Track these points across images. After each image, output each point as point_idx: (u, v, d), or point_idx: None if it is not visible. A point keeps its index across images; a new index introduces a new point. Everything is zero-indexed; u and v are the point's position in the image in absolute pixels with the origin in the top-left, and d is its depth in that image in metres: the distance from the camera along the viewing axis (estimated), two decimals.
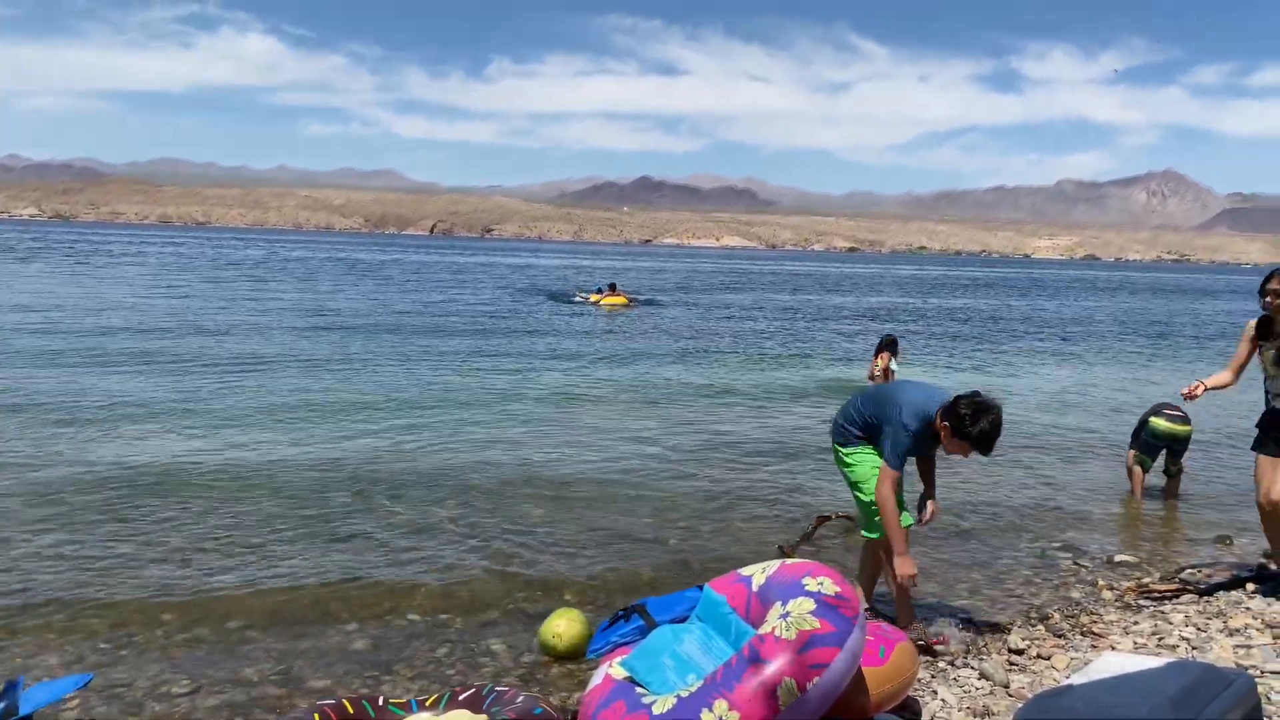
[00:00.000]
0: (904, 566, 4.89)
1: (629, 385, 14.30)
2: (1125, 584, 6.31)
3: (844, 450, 5.14)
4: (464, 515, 7.34)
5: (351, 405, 11.72)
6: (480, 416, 11.35)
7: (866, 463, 5.04)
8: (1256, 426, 5.91)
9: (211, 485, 7.90)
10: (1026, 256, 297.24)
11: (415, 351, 17.37)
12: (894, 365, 13.56)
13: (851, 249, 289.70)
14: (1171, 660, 3.03)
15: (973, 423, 4.59)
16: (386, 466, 8.72)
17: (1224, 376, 5.87)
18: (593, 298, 31.27)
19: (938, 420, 4.74)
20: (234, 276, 39.56)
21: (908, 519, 5.01)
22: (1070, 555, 6.92)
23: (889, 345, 13.70)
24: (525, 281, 45.23)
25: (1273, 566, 6.20)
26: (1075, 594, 6.13)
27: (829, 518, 7.27)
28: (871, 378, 14.21)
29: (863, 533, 5.26)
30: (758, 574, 3.68)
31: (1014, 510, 8.03)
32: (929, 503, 5.15)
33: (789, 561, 3.67)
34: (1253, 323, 5.77)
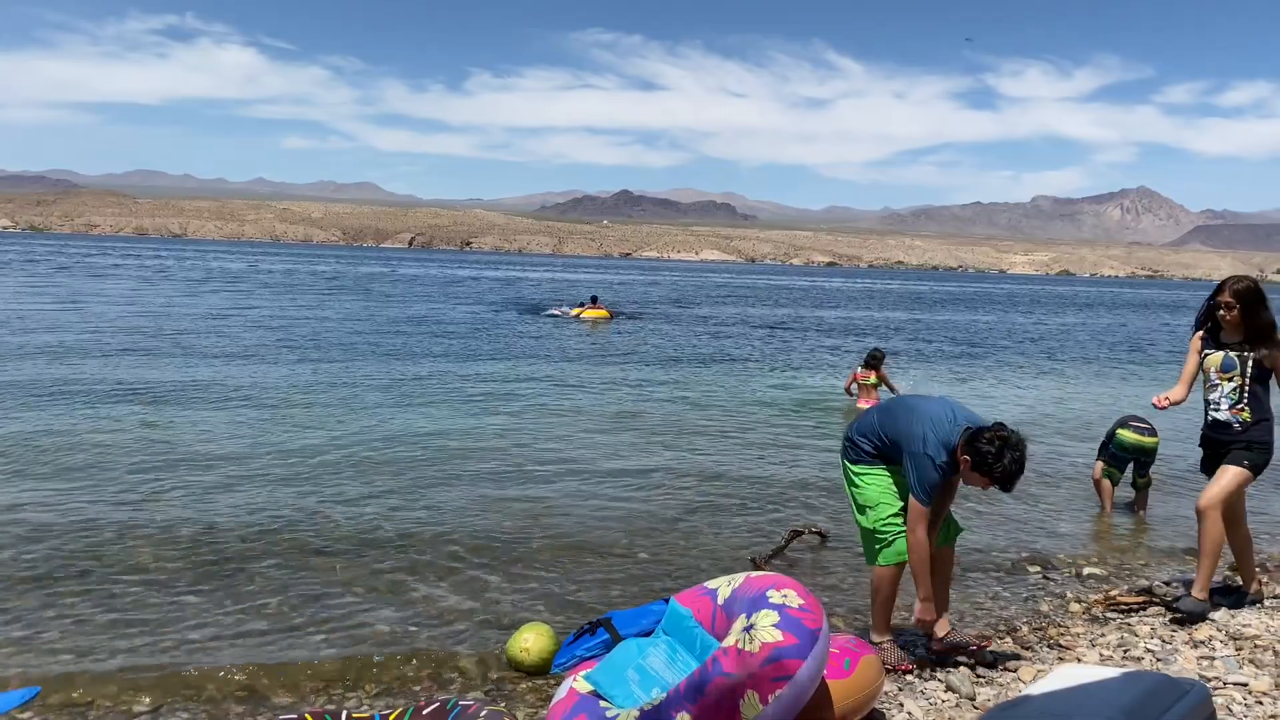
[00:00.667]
0: (925, 612, 4.72)
1: (605, 398, 14.30)
2: (1093, 596, 6.35)
3: (854, 468, 4.87)
4: (432, 530, 7.29)
5: (320, 417, 11.66)
6: (452, 430, 11.30)
7: (877, 485, 4.77)
8: (1200, 446, 5.91)
9: (173, 502, 7.83)
10: (1003, 272, 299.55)
11: (388, 363, 17.31)
12: (872, 380, 13.64)
13: (830, 263, 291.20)
14: (1129, 671, 3.05)
15: (996, 459, 4.39)
16: (353, 481, 8.67)
17: (1178, 391, 5.84)
18: (574, 311, 31.19)
19: (959, 452, 4.52)
20: (212, 289, 39.32)
21: (906, 554, 4.70)
22: (1039, 568, 6.96)
23: (876, 359, 13.78)
24: (505, 295, 45.20)
25: (1238, 580, 6.25)
26: (1044, 607, 6.16)
27: (802, 532, 7.28)
28: (848, 390, 14.29)
29: (875, 563, 4.88)
30: (723, 587, 3.69)
31: (984, 523, 8.07)
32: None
33: (754, 574, 3.67)
34: (1199, 334, 5.80)
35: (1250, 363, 5.56)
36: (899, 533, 4.72)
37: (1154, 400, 5.83)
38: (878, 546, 4.78)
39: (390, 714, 3.79)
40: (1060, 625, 5.75)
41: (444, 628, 5.41)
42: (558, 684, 3.87)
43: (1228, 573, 6.51)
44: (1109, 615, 5.96)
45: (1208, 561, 5.68)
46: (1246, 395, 5.59)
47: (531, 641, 4.82)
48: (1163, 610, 5.97)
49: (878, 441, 4.79)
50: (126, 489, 8.08)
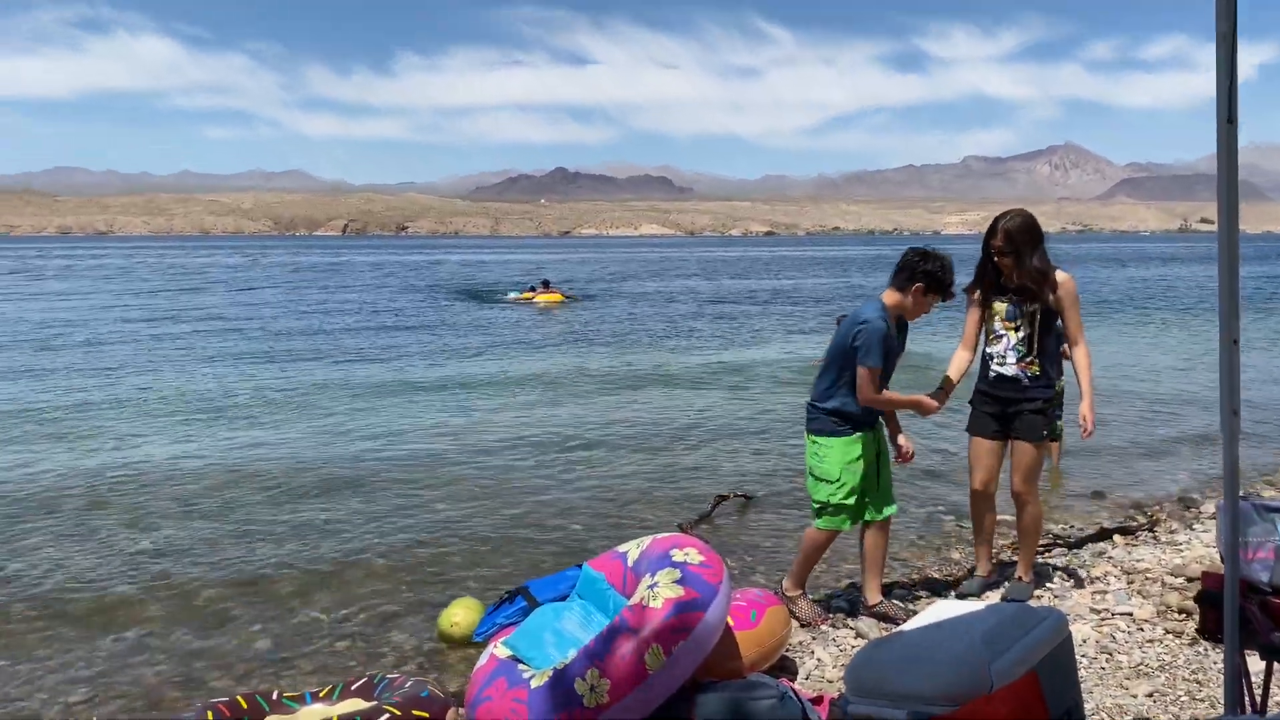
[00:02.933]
0: (928, 405, 4.92)
1: (543, 378, 14.45)
2: (1003, 542, 6.66)
3: (817, 439, 4.89)
4: (367, 509, 7.47)
5: (255, 404, 11.69)
6: (386, 412, 11.41)
7: (836, 459, 4.82)
8: (970, 404, 5.32)
9: (110, 489, 7.87)
10: (937, 233, 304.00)
11: (326, 351, 17.27)
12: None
13: (768, 233, 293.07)
14: (992, 604, 3.31)
15: (944, 271, 4.77)
16: (286, 464, 8.78)
17: (963, 357, 5.27)
18: (524, 295, 30.63)
19: (894, 295, 4.81)
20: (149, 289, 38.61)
21: (845, 524, 4.89)
22: (953, 518, 7.26)
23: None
24: (448, 281, 44.80)
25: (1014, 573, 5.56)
26: (955, 555, 6.46)
27: (727, 497, 7.54)
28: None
29: (815, 525, 4.99)
30: (633, 550, 3.89)
31: (902, 477, 8.36)
32: (900, 438, 5.08)
33: (660, 536, 3.88)
34: (971, 284, 5.19)
35: (1039, 308, 4.97)
36: (845, 507, 4.87)
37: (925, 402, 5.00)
38: (821, 513, 4.94)
39: (320, 691, 3.94)
40: (970, 572, 6.04)
41: (378, 608, 5.55)
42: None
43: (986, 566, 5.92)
44: (1015, 558, 6.27)
45: (1030, 541, 5.36)
46: (1036, 346, 5.02)
47: (460, 616, 4.98)
48: (1065, 550, 6.31)
49: (830, 380, 4.84)
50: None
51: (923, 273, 4.77)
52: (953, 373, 5.22)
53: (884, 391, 4.85)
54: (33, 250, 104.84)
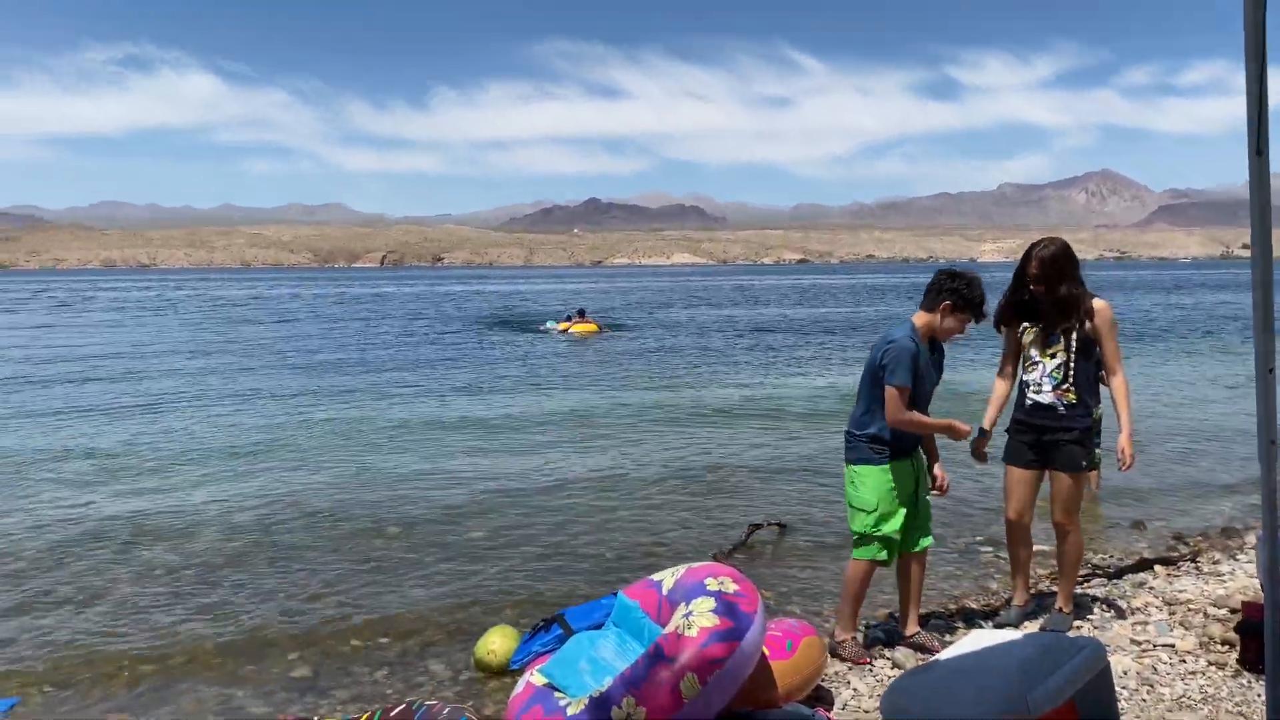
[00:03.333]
0: (960, 430, 4.79)
1: (578, 409, 14.46)
2: (1040, 571, 6.59)
3: (854, 468, 4.84)
4: (404, 538, 7.55)
5: (298, 440, 11.80)
6: (424, 446, 11.49)
7: (873, 485, 4.77)
8: (1006, 432, 5.29)
9: (151, 529, 7.97)
10: (973, 260, 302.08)
11: (367, 385, 17.44)
12: None
13: (801, 260, 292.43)
14: (1030, 633, 3.29)
15: (970, 288, 4.71)
16: (327, 498, 8.86)
17: (1002, 387, 5.27)
18: (562, 326, 30.67)
19: (924, 316, 4.78)
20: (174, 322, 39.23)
21: (881, 554, 4.81)
22: (992, 549, 7.19)
23: None
24: (486, 311, 45.07)
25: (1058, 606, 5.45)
26: (993, 585, 6.40)
27: (760, 525, 7.53)
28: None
29: (854, 556, 4.93)
30: (668, 578, 3.90)
31: (940, 506, 8.30)
32: (936, 468, 5.02)
33: (695, 565, 3.89)
34: (1000, 309, 5.17)
35: (1075, 335, 4.94)
36: (884, 537, 4.80)
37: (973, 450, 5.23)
38: (859, 544, 4.88)
39: (359, 718, 3.98)
40: (1008, 602, 5.98)
41: (415, 637, 5.59)
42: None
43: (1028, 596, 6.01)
44: (1055, 589, 6.20)
45: (1070, 572, 5.31)
46: (1073, 374, 4.97)
47: (498, 644, 5.01)
48: (1105, 581, 6.23)
49: (865, 406, 4.82)
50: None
51: (949, 290, 4.75)
52: (989, 415, 5.22)
53: (912, 412, 4.75)
54: (83, 282, 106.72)
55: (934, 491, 5.06)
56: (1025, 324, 5.11)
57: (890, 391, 4.67)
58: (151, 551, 7.30)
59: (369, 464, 10.38)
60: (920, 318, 4.84)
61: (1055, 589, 5.57)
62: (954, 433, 4.84)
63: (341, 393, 16.37)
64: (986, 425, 5.24)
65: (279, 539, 7.61)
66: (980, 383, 14.99)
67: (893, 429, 4.75)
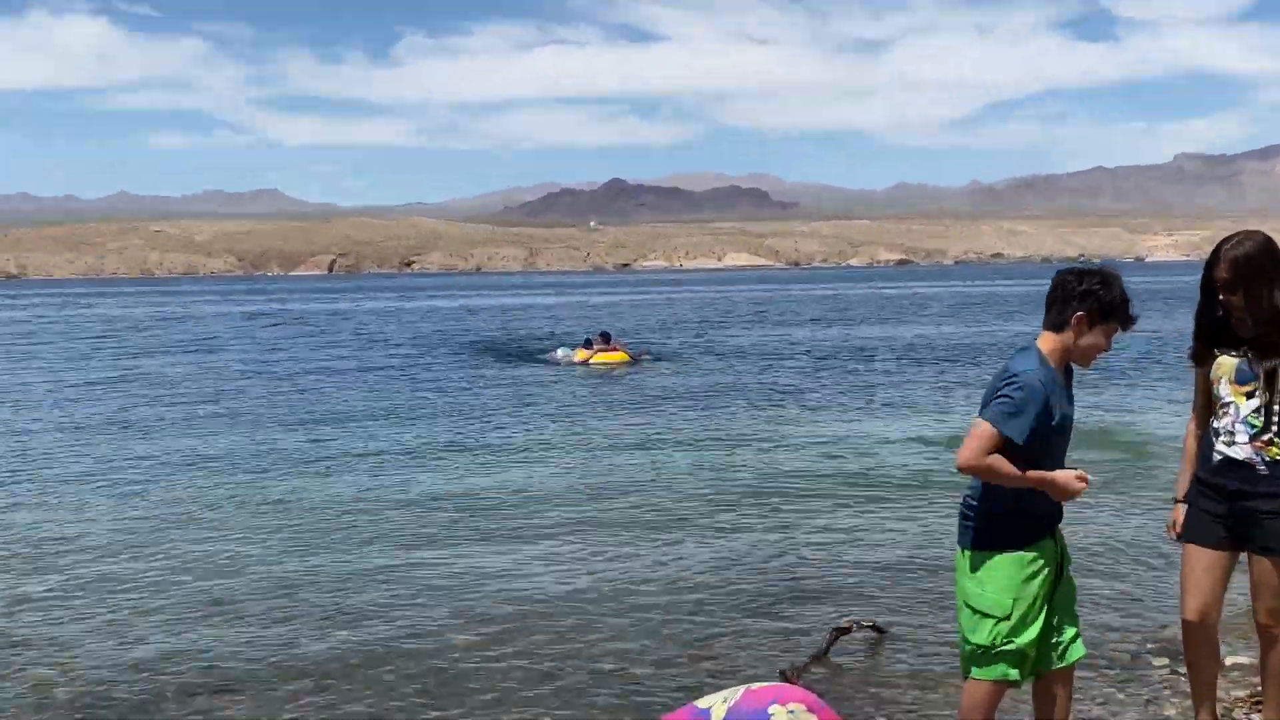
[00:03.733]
0: (1065, 486, 4.48)
1: (603, 475, 14.35)
2: (1237, 694, 6.53)
3: (970, 554, 4.69)
4: (363, 667, 7.55)
5: (222, 523, 11.96)
6: (392, 531, 11.49)
7: (1003, 579, 4.57)
8: (1185, 500, 5.21)
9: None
10: (1139, 259, 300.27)
11: (315, 443, 17.51)
12: None
13: (903, 261, 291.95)
14: None
15: (1106, 288, 4.51)
16: (258, 608, 8.89)
17: (1195, 447, 5.21)
18: (579, 354, 30.50)
19: (1051, 338, 4.61)
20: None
21: (1012, 672, 4.62)
22: (1167, 661, 7.14)
23: None
24: (472, 334, 45.30)
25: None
26: (1169, 711, 6.37)
27: (849, 629, 7.53)
28: None
29: (974, 675, 4.75)
30: (717, 705, 3.94)
31: (1098, 603, 8.26)
32: None
33: (755, 687, 3.92)
34: (1199, 344, 5.16)
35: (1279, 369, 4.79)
36: (1016, 652, 4.61)
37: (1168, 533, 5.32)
38: (980, 659, 4.70)
39: None
40: None
41: None
42: None
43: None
44: (1252, 718, 6.16)
45: (1278, 690, 5.18)
46: (1277, 418, 4.84)
47: None
48: None
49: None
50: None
51: (1081, 295, 4.53)
52: (1182, 482, 5.15)
53: (994, 457, 4.42)
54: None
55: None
56: (1219, 353, 5.02)
57: (982, 427, 4.46)
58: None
59: (316, 562, 10.24)
60: (1047, 341, 4.65)
61: (1257, 714, 5.52)
62: (1056, 489, 4.52)
63: (278, 457, 16.32)
64: (1180, 494, 5.20)
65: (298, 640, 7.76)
66: (1164, 429, 14.83)
67: (1029, 494, 4.52)
